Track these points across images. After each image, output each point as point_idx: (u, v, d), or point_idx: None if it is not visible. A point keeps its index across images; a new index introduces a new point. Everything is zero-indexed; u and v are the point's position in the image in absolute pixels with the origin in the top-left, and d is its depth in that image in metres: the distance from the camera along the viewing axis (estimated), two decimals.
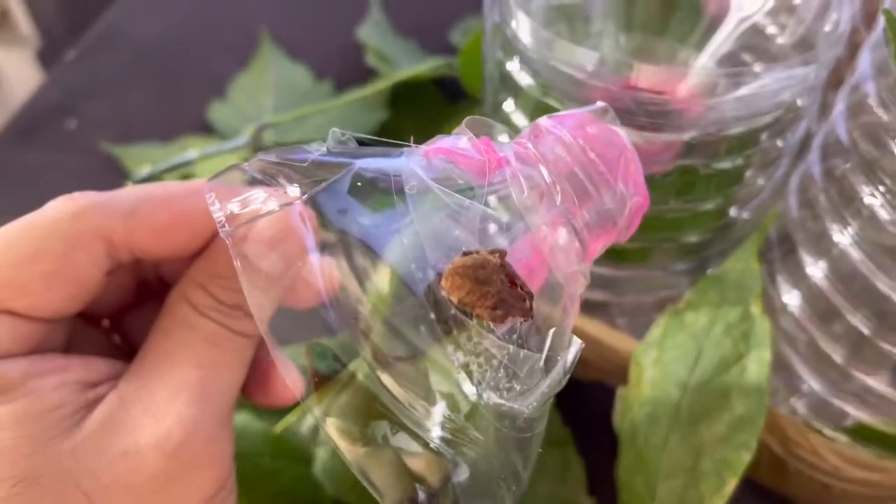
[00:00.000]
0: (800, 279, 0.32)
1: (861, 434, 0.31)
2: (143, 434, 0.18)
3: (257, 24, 0.55)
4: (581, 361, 0.37)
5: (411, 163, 0.21)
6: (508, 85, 0.30)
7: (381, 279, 0.21)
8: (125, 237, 0.20)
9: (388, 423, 0.20)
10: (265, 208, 0.19)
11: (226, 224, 0.18)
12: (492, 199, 0.21)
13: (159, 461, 0.18)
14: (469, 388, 0.20)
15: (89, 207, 0.19)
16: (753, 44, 0.31)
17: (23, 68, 0.75)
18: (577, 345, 0.22)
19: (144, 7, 0.61)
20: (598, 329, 0.35)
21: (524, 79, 0.29)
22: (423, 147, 0.21)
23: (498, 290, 0.19)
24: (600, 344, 0.35)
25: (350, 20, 0.56)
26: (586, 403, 0.39)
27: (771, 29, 0.30)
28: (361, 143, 0.21)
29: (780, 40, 0.30)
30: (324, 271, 0.19)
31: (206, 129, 0.50)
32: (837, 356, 0.31)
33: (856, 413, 0.32)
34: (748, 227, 0.33)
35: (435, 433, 0.20)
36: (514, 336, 0.21)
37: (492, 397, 0.20)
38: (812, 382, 0.33)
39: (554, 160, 0.21)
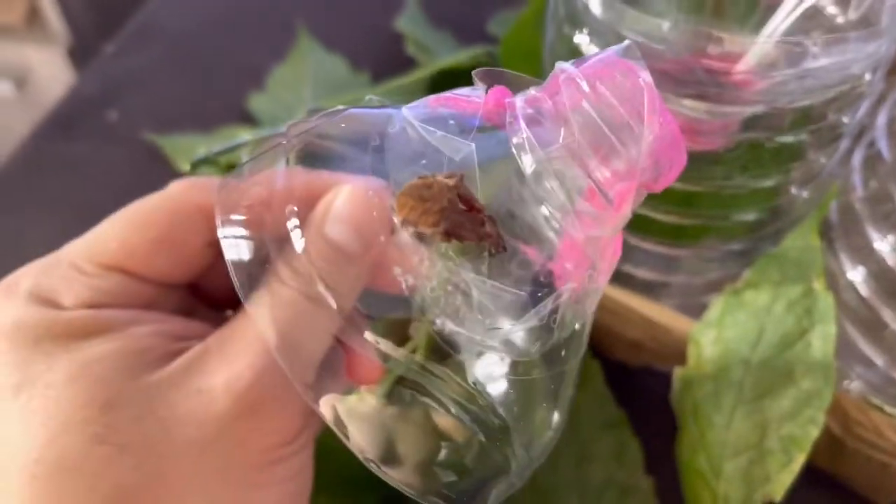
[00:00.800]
0: (866, 255, 0.32)
1: None
2: (217, 376, 0.20)
3: (292, 16, 0.56)
4: (632, 345, 0.38)
5: (406, 107, 0.21)
6: (573, 56, 0.30)
7: None
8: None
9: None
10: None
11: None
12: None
13: (227, 401, 0.20)
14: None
15: (192, 187, 0.23)
16: (813, 25, 0.31)
17: (54, 66, 0.76)
18: (567, 288, 0.21)
19: (177, 2, 0.61)
20: (651, 309, 0.35)
21: (592, 51, 0.29)
22: (429, 97, 0.21)
23: (443, 208, 0.19)
24: (653, 325, 0.35)
25: (384, 12, 0.56)
26: (638, 388, 0.39)
27: (831, 9, 0.30)
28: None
29: (841, 20, 0.30)
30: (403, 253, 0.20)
31: (246, 120, 0.51)
32: None
33: None
34: (805, 207, 0.34)
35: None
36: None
37: (447, 324, 0.20)
38: (875, 358, 0.33)
39: (564, 102, 0.20)
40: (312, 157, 0.22)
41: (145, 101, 0.53)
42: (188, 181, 0.23)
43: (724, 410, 0.32)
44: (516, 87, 0.21)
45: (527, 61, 0.45)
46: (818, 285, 0.31)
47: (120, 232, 0.22)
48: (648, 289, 0.39)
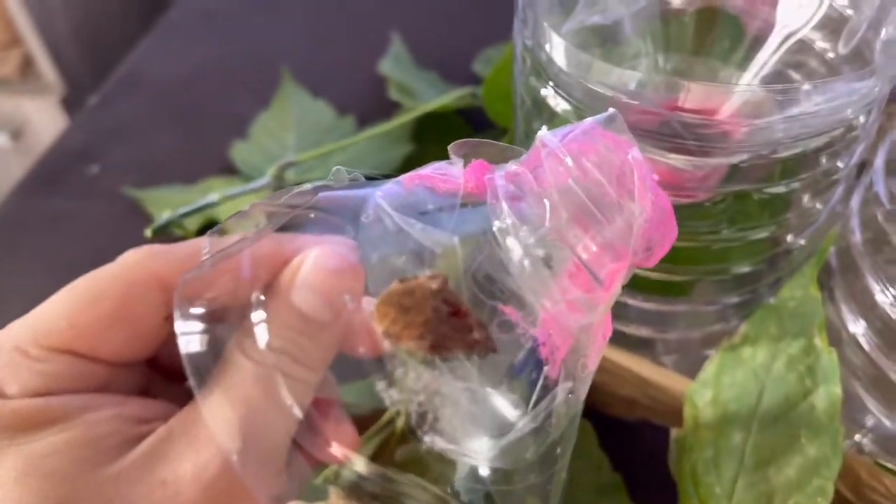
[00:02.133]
0: (868, 308, 0.29)
1: None
2: (183, 465, 0.19)
3: (278, 63, 0.55)
4: (627, 402, 0.36)
5: (379, 190, 0.20)
6: (542, 111, 0.28)
7: None
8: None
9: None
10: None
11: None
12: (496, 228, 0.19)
13: (195, 492, 0.18)
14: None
15: (150, 255, 0.21)
16: (802, 60, 0.29)
17: (49, 116, 0.76)
18: (563, 390, 0.20)
19: (165, 50, 0.60)
20: (644, 367, 0.33)
21: (559, 104, 0.27)
22: (404, 175, 0.20)
23: (427, 319, 0.18)
24: (648, 383, 0.33)
25: (371, 55, 0.55)
26: (636, 444, 0.37)
27: (821, 44, 0.28)
28: (370, 179, 0.21)
29: (831, 55, 0.28)
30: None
31: (230, 170, 0.50)
32: None
33: None
34: (803, 255, 0.31)
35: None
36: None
37: (437, 442, 0.19)
38: (882, 418, 0.30)
39: (548, 177, 0.18)
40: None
41: (128, 154, 0.52)
42: (143, 249, 0.21)
43: (725, 480, 0.29)
44: (494, 158, 0.20)
45: (509, 102, 0.43)
46: (820, 341, 0.29)
47: (68, 309, 0.20)
48: (645, 345, 0.37)
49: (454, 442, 0.19)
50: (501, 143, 0.20)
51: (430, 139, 0.48)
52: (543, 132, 0.19)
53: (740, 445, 0.29)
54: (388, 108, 0.51)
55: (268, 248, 0.20)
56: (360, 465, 0.19)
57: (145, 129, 0.54)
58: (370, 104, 0.53)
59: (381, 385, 0.19)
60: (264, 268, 0.20)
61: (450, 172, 0.20)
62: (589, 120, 0.19)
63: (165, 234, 0.36)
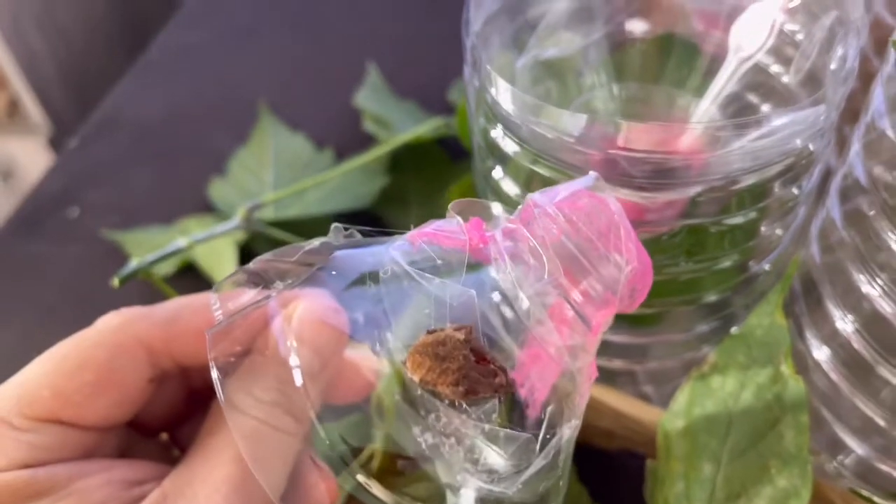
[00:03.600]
0: (829, 335, 0.29)
1: None
2: None
3: (255, 97, 0.55)
4: (605, 433, 0.36)
5: (391, 247, 0.21)
6: (495, 152, 0.28)
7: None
8: (165, 343, 0.21)
9: None
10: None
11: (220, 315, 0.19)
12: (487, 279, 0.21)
13: None
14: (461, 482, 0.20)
15: (131, 318, 0.21)
16: (758, 83, 0.29)
17: (35, 157, 0.76)
18: (571, 425, 0.21)
19: (142, 90, 0.61)
20: (618, 400, 0.33)
21: (510, 146, 0.27)
22: (410, 233, 0.21)
23: (460, 366, 0.19)
24: (622, 415, 0.33)
25: (349, 86, 0.55)
26: (615, 473, 0.37)
27: (775, 67, 0.28)
28: (365, 234, 0.22)
29: (786, 79, 0.28)
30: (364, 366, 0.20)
31: (209, 208, 0.50)
32: (879, 418, 0.28)
33: None
34: (771, 279, 0.31)
35: None
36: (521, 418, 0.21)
37: (468, 480, 0.20)
38: (855, 445, 0.30)
39: (542, 234, 0.20)
40: None
41: (107, 195, 0.53)
42: (124, 313, 0.21)
43: None
44: (483, 215, 0.22)
45: None
46: (786, 369, 0.28)
47: (52, 377, 0.20)
48: (625, 375, 0.37)
49: (481, 479, 0.20)
50: (487, 202, 0.22)
51: (407, 169, 0.48)
52: (532, 195, 0.21)
53: (711, 478, 0.29)
54: (368, 139, 0.51)
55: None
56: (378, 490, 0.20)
57: (124, 170, 0.54)
58: (349, 136, 0.54)
59: (416, 430, 0.20)
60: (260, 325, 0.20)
61: (451, 230, 0.21)
62: (573, 182, 0.21)
63: (137, 280, 0.36)
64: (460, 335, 0.20)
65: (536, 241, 0.20)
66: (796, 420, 0.28)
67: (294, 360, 0.19)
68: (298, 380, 0.19)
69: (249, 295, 0.20)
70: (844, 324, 0.28)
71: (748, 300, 0.31)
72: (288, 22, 0.67)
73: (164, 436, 0.25)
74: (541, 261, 0.20)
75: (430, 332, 0.20)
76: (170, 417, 0.24)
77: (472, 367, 0.19)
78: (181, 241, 0.34)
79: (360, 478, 0.21)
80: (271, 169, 0.51)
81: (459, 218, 0.21)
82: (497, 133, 0.27)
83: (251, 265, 0.21)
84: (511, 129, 0.26)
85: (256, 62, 0.63)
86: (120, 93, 0.60)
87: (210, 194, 0.50)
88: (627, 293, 0.21)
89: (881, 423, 0.29)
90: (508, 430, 0.20)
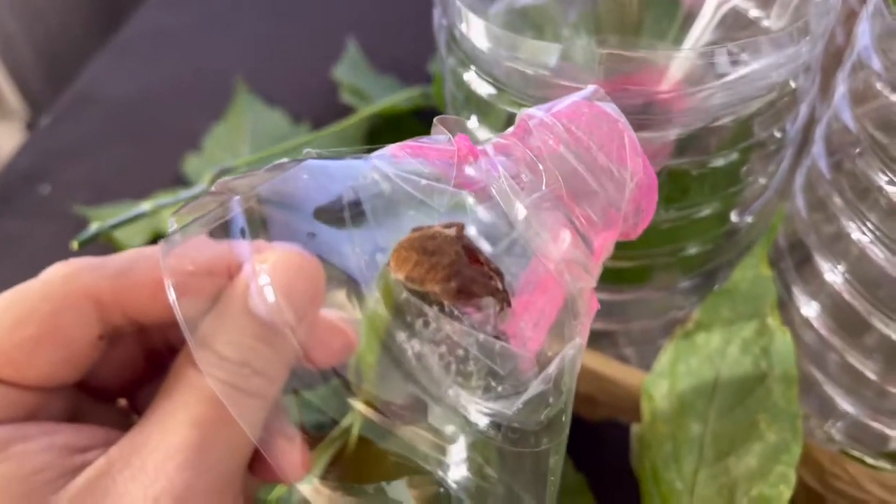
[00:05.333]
0: (818, 288, 0.28)
1: None
2: (130, 497, 0.17)
3: (233, 77, 0.54)
4: (587, 399, 0.34)
5: (372, 157, 0.19)
6: (470, 99, 0.27)
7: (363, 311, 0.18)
8: (116, 297, 0.19)
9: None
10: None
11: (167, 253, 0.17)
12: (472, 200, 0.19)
13: None
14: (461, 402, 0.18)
15: (79, 269, 0.19)
16: (737, 31, 0.28)
17: (13, 142, 0.75)
18: (575, 344, 0.19)
19: (117, 68, 0.59)
20: (599, 362, 0.31)
21: (484, 88, 0.26)
22: (392, 145, 0.19)
23: (452, 262, 0.17)
24: (604, 379, 0.32)
25: (328, 62, 0.54)
26: (600, 444, 0.36)
27: (755, 12, 0.27)
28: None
29: (767, 23, 0.27)
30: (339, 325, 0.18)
31: (184, 184, 0.48)
32: (871, 372, 0.27)
33: None
34: (754, 233, 0.30)
35: (451, 475, 0.18)
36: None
37: (461, 395, 0.18)
38: (845, 405, 0.29)
39: (538, 146, 0.18)
40: (263, 221, 0.19)
41: (80, 173, 0.51)
42: (72, 263, 0.19)
43: (686, 474, 0.28)
44: (474, 137, 0.20)
45: None
46: (772, 321, 0.27)
47: None
48: (605, 337, 0.35)
49: (476, 396, 0.18)
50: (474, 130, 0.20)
51: (384, 141, 0.47)
52: (529, 109, 0.19)
53: (699, 437, 0.28)
54: (346, 115, 0.50)
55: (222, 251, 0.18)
56: (312, 484, 0.18)
57: (97, 148, 0.53)
58: (327, 112, 0.52)
59: (401, 336, 0.17)
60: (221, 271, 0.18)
61: (438, 143, 0.19)
62: (572, 94, 0.19)
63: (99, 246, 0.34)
64: (450, 231, 0.17)
65: (533, 153, 0.18)
66: (784, 373, 0.27)
67: (267, 312, 0.17)
68: (269, 336, 0.17)
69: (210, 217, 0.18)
70: (834, 275, 0.27)
71: (731, 256, 0.30)
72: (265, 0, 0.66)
73: (123, 401, 0.23)
74: (538, 173, 0.18)
75: (416, 230, 0.17)
76: (127, 380, 0.22)
77: (465, 266, 0.17)
78: (144, 206, 0.32)
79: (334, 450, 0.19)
80: (247, 143, 0.50)
81: (447, 133, 0.19)
82: (470, 76, 0.26)
83: (215, 186, 0.19)
84: (484, 69, 0.25)
85: (233, 41, 0.62)
86: (94, 71, 0.59)
87: (184, 169, 0.49)
88: (632, 212, 0.19)
89: (873, 377, 0.28)
90: (505, 343, 0.18)
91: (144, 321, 0.20)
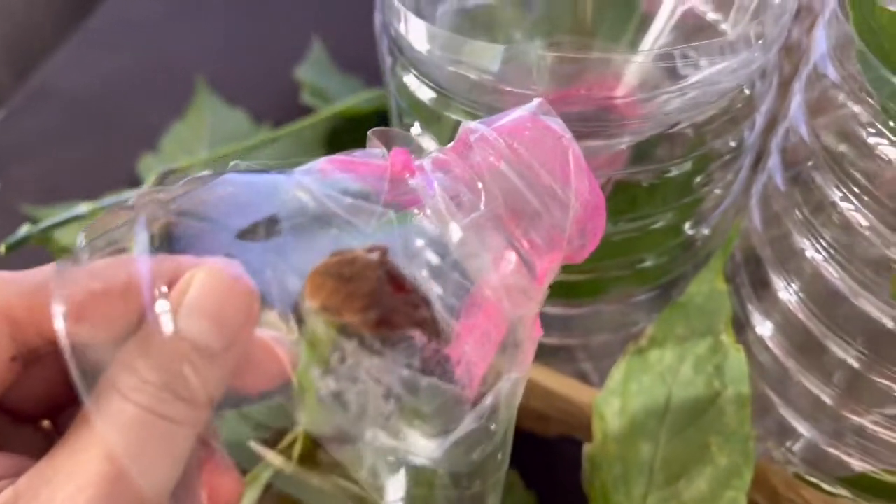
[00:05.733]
0: (772, 306, 0.27)
1: (863, 486, 0.26)
2: None
3: (196, 72, 0.52)
4: (539, 416, 0.33)
5: (297, 173, 0.18)
6: (412, 105, 0.26)
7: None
8: (31, 315, 0.18)
9: None
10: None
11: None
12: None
13: None
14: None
15: None
16: (695, 35, 0.27)
17: None
18: (511, 378, 0.18)
19: (78, 62, 0.58)
20: (551, 379, 0.30)
21: (425, 93, 0.25)
22: (320, 159, 0.18)
23: (371, 290, 0.16)
24: (556, 396, 0.30)
25: (293, 64, 0.53)
26: (553, 462, 0.35)
27: (712, 16, 0.26)
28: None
29: (725, 27, 0.26)
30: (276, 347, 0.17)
31: (137, 185, 0.47)
32: (826, 396, 0.26)
33: (857, 462, 0.27)
34: (712, 245, 0.29)
35: None
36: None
37: (379, 437, 0.16)
38: (801, 428, 0.28)
39: (479, 162, 0.17)
40: (178, 237, 0.18)
41: (33, 169, 0.50)
42: None
43: (635, 497, 0.27)
44: (415, 150, 0.19)
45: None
46: (726, 338, 0.26)
47: None
48: (563, 352, 0.34)
49: (398, 439, 0.17)
50: (413, 136, 0.19)
51: (347, 143, 0.45)
52: (470, 122, 0.18)
53: (649, 459, 0.27)
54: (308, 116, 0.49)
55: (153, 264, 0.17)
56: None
57: (53, 144, 0.52)
58: (290, 113, 0.51)
59: (315, 372, 0.16)
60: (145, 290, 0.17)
61: (371, 158, 0.18)
62: (515, 109, 0.18)
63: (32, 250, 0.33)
64: (373, 256, 0.16)
65: (473, 169, 0.17)
66: (737, 393, 0.26)
67: (195, 334, 0.16)
68: (197, 359, 0.16)
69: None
70: (789, 294, 0.26)
71: (689, 267, 0.29)
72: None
73: (46, 423, 0.21)
74: (477, 192, 0.17)
75: (335, 255, 0.16)
76: (49, 402, 0.20)
77: (387, 294, 0.16)
78: (82, 208, 0.31)
79: (280, 464, 0.18)
80: (206, 143, 0.48)
81: (382, 147, 0.18)
82: (410, 80, 0.25)
83: (133, 199, 0.17)
84: (426, 73, 0.24)
85: (199, 38, 0.60)
86: (54, 64, 0.57)
87: (140, 170, 0.47)
88: (577, 233, 0.18)
89: (829, 402, 0.27)
90: (432, 379, 0.17)
91: None
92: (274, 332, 0.17)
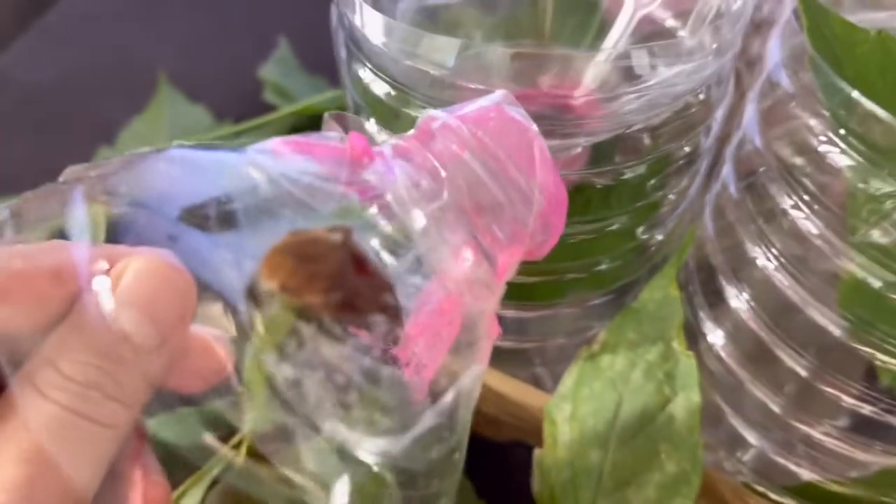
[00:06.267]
0: (724, 315, 0.27)
1: (809, 495, 0.26)
2: None
3: (157, 68, 0.52)
4: (491, 421, 0.33)
5: (250, 150, 0.17)
6: (368, 101, 0.25)
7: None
8: None
9: None
10: None
11: None
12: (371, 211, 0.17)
13: None
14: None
15: None
16: (653, 40, 0.27)
17: None
18: (472, 372, 0.17)
19: (35, 54, 0.57)
20: (503, 383, 0.30)
21: (381, 88, 0.24)
22: (274, 139, 0.17)
23: (335, 271, 0.15)
24: (506, 399, 0.30)
25: (257, 61, 0.52)
26: (505, 467, 0.34)
27: (671, 22, 0.26)
28: None
29: (683, 34, 0.26)
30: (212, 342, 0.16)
31: None
32: (776, 406, 0.27)
33: (806, 472, 0.27)
34: (668, 251, 0.29)
35: None
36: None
37: (338, 429, 0.16)
38: (752, 439, 0.28)
39: (441, 150, 0.17)
40: (116, 219, 0.16)
41: None
42: None
43: (584, 502, 0.27)
44: (371, 139, 0.18)
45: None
46: (677, 345, 0.26)
47: None
48: (516, 354, 0.34)
49: (358, 431, 0.16)
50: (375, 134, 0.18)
51: None
52: (433, 110, 0.18)
53: (598, 465, 0.27)
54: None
55: (77, 253, 0.16)
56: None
57: (3, 136, 0.50)
58: (253, 112, 0.50)
59: (270, 360, 0.15)
60: (71, 278, 0.16)
61: (328, 140, 0.17)
62: (480, 98, 0.18)
63: None
64: (336, 236, 0.15)
65: (435, 158, 0.17)
66: (688, 400, 0.26)
67: (125, 328, 0.15)
68: (128, 356, 0.15)
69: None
70: (739, 302, 0.26)
71: (643, 272, 0.29)
72: None
73: None
74: (440, 181, 0.17)
75: (294, 234, 0.15)
76: None
77: (351, 276, 0.15)
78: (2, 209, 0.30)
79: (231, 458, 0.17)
80: (165, 139, 0.47)
81: (339, 130, 0.18)
82: (366, 74, 0.24)
83: (63, 175, 0.16)
84: (381, 67, 0.24)
85: (160, 33, 0.60)
86: (9, 56, 0.56)
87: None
88: (540, 228, 0.18)
89: (779, 412, 0.27)
90: (395, 370, 0.16)
91: None
92: (212, 329, 0.16)
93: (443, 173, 0.17)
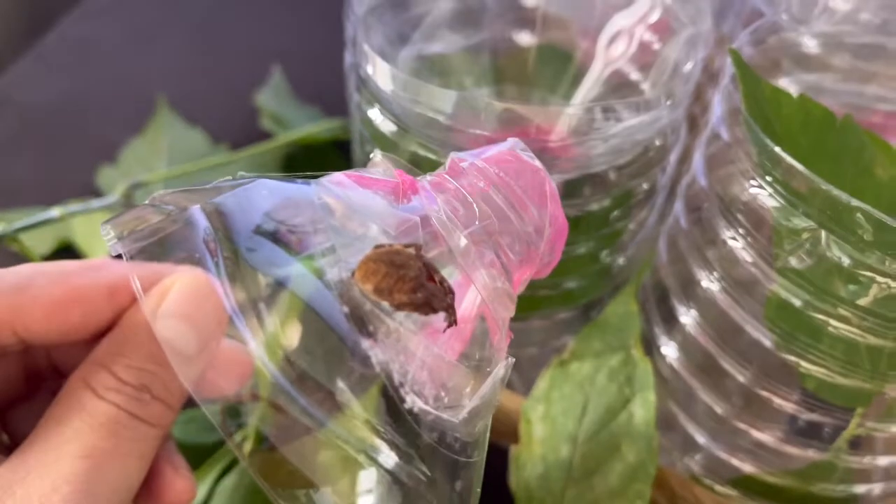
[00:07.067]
0: (674, 328, 0.31)
1: (747, 486, 0.30)
2: None
3: (154, 92, 0.54)
4: None
5: (321, 181, 0.20)
6: (374, 135, 0.29)
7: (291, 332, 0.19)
8: (10, 315, 0.18)
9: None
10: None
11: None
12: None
13: None
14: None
15: None
16: (620, 91, 0.31)
17: None
18: (505, 361, 0.20)
19: (37, 75, 0.59)
20: None
21: (387, 126, 0.28)
22: (338, 173, 0.20)
23: (416, 275, 0.18)
24: None
25: (251, 87, 0.55)
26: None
27: (635, 76, 0.31)
28: None
29: (645, 86, 0.31)
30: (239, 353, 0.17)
31: (96, 196, 0.48)
32: (721, 409, 0.31)
33: (749, 467, 0.31)
34: (628, 273, 0.33)
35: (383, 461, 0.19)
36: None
37: (416, 402, 0.19)
38: (701, 439, 0.32)
39: (469, 186, 0.20)
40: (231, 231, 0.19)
41: None
42: None
43: (555, 492, 0.30)
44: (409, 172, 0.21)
45: None
46: (636, 352, 0.30)
47: None
48: None
49: (429, 405, 0.19)
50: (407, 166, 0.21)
51: (302, 169, 0.48)
52: (457, 153, 0.21)
53: (568, 458, 0.30)
54: (264, 142, 0.51)
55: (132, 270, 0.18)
56: None
57: (5, 154, 0.52)
58: (247, 137, 0.53)
59: (366, 344, 0.18)
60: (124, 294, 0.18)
61: (379, 175, 0.20)
62: (495, 145, 0.21)
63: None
64: (410, 249, 0.18)
65: (466, 191, 0.20)
66: (644, 398, 0.30)
67: (171, 337, 0.17)
68: (175, 358, 0.17)
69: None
70: (688, 318, 0.30)
71: (607, 291, 0.33)
72: (194, 23, 0.67)
73: None
74: (471, 209, 0.20)
75: (378, 247, 0.18)
76: (3, 399, 0.21)
77: (426, 281, 0.18)
78: (54, 212, 0.33)
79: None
80: (164, 160, 0.50)
81: (386, 165, 0.21)
82: (374, 114, 0.28)
83: (157, 197, 0.19)
84: (388, 109, 0.27)
85: (157, 59, 0.62)
86: (11, 76, 0.58)
87: (98, 181, 0.49)
88: (548, 251, 0.21)
89: (722, 413, 0.31)
90: (452, 359, 0.19)
91: (35, 341, 0.19)
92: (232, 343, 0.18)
93: (473, 204, 0.20)
